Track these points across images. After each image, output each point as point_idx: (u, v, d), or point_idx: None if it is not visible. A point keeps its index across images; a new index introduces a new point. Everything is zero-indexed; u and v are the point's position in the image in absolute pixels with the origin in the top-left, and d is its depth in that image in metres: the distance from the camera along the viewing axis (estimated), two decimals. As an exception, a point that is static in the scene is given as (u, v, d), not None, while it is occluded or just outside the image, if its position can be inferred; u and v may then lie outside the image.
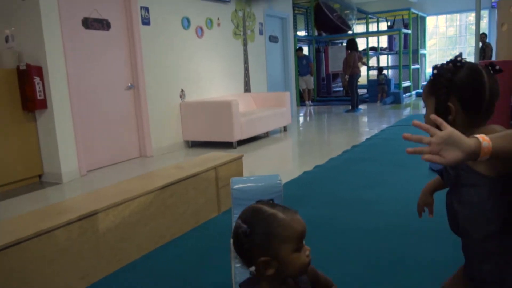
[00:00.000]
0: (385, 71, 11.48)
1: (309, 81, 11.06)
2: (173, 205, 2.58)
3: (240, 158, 3.22)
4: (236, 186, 1.74)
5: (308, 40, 12.05)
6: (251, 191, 1.73)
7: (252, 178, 1.82)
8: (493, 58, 4.03)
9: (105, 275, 2.16)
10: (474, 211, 1.09)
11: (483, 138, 0.91)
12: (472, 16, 14.91)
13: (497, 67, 1.13)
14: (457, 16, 14.79)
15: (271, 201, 1.06)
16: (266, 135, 6.70)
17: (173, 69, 5.83)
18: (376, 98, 10.87)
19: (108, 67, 5.01)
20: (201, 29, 6.33)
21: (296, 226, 0.99)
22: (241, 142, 6.00)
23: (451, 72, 1.11)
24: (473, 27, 15.21)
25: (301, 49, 10.75)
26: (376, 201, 3.10)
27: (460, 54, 1.15)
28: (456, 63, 1.12)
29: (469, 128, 1.09)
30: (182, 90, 6.01)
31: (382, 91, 10.73)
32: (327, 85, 12.88)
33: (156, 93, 5.55)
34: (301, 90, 11.10)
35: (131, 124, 5.38)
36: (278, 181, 1.78)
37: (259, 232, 0.98)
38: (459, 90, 1.10)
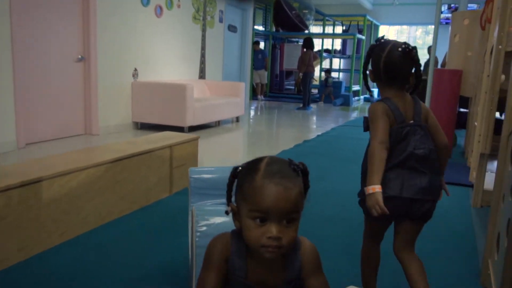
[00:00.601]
0: (333, 74, 11.75)
1: (263, 76, 11.07)
2: (123, 181, 2.45)
3: (196, 139, 3.13)
4: (194, 176, 1.72)
5: (265, 35, 12.05)
6: (208, 180, 1.72)
7: (210, 168, 1.81)
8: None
9: (46, 248, 2.00)
10: None
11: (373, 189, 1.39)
12: (419, 31, 15.64)
13: (410, 47, 1.44)
14: (407, 29, 15.44)
15: (291, 161, 0.94)
16: (217, 124, 6.61)
17: (128, 46, 5.58)
18: (320, 98, 11.11)
19: (58, 35, 4.69)
20: (161, 8, 6.11)
21: (263, 195, 0.87)
22: (192, 129, 5.87)
23: (371, 47, 1.50)
24: (420, 41, 15.90)
25: (258, 43, 10.73)
26: (330, 192, 3.13)
27: (382, 37, 1.54)
28: (376, 41, 1.51)
29: (383, 91, 1.51)
30: (136, 69, 5.77)
31: (328, 92, 10.96)
32: (280, 81, 12.96)
33: (108, 69, 5.29)
34: (254, 84, 11.08)
35: (78, 99, 5.09)
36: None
37: (240, 177, 0.95)
38: (370, 60, 1.50)
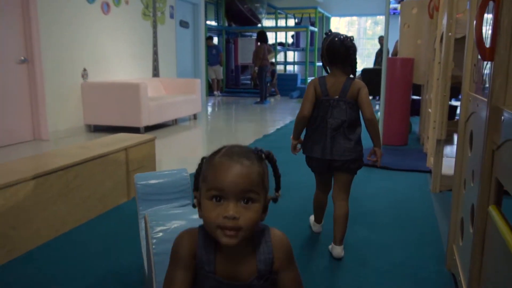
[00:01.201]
0: (288, 67, 11.79)
1: (218, 71, 10.95)
2: (76, 189, 2.30)
3: (152, 140, 3.00)
4: (141, 182, 1.65)
5: (218, 30, 11.91)
6: (156, 186, 1.66)
7: (157, 173, 1.75)
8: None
9: (-8, 267, 1.84)
10: None
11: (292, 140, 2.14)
12: (369, 22, 15.99)
13: (345, 37, 1.96)
14: (357, 20, 15.73)
15: (256, 148, 0.93)
16: (174, 122, 6.45)
17: (75, 45, 5.31)
18: (275, 92, 11.13)
19: (-3, 36, 4.39)
20: (107, 5, 5.86)
21: (219, 172, 0.86)
22: (148, 129, 5.70)
23: (323, 39, 2.03)
24: (370, 32, 16.25)
25: (211, 38, 10.59)
26: (295, 186, 3.10)
27: (329, 30, 2.09)
28: (325, 33, 2.04)
29: (331, 72, 2.02)
30: (85, 69, 5.52)
31: (274, 85, 11.01)
32: (236, 76, 12.87)
33: (54, 70, 5.02)
34: (210, 80, 10.95)
35: (24, 103, 4.79)
36: (185, 175, 1.73)
37: (203, 165, 0.93)
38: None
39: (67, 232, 2.24)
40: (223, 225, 0.84)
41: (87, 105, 5.48)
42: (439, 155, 3.05)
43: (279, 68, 12.35)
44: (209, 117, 7.58)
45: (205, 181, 0.89)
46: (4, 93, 4.51)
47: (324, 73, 2.07)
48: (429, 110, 4.00)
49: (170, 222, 1.19)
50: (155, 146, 3.07)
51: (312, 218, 2.35)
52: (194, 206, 0.95)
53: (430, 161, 3.59)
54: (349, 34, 2.00)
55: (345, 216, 2.01)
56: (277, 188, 1.01)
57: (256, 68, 9.27)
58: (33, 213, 2.03)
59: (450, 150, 4.03)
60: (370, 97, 2.29)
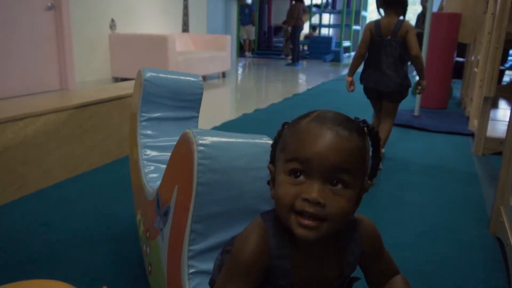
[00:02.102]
0: (323, 30, 11.33)
1: (251, 32, 10.63)
2: (91, 130, 2.19)
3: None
4: (148, 77, 1.40)
5: (252, -12, 11.51)
6: (166, 86, 1.42)
7: (170, 73, 1.49)
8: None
9: (0, 203, 1.76)
10: None
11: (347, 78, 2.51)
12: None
13: None
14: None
15: (356, 118, 0.69)
16: (203, 79, 6.29)
17: (103, -6, 5.16)
18: (316, 55, 10.73)
19: (23, -20, 4.28)
20: (137, -47, 5.65)
21: (304, 139, 0.64)
22: (176, 84, 5.56)
23: None
24: (413, -6, 15.42)
25: (244, -4, 10.24)
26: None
27: None
28: None
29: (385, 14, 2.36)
30: (113, 20, 5.38)
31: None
32: (268, 38, 12.51)
33: (82, 19, 4.90)
34: (242, 41, 10.66)
35: (51, 52, 4.72)
36: (201, 82, 1.50)
37: (285, 131, 0.71)
38: None
39: (81, 174, 2.14)
40: (299, 209, 0.63)
41: (114, 57, 5.37)
42: (485, 114, 2.77)
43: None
44: (238, 76, 7.38)
45: (284, 151, 0.68)
46: (31, 40, 4.43)
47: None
48: (475, 69, 3.67)
49: (225, 151, 0.89)
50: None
51: None
52: (268, 182, 0.74)
53: (474, 123, 3.30)
54: None
55: (388, 130, 2.46)
56: (373, 174, 0.74)
57: (290, 28, 8.91)
58: (43, 151, 1.92)
59: (493, 114, 3.72)
60: (409, 63, 2.41)
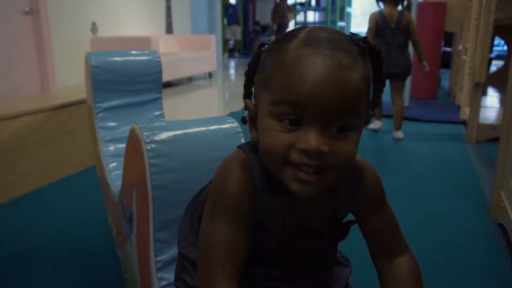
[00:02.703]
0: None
1: (236, 32, 10.55)
2: (71, 132, 2.08)
3: (158, 85, 2.75)
4: (96, 64, 1.23)
5: (235, -12, 11.43)
6: (118, 70, 1.25)
7: (119, 53, 1.33)
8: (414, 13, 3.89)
9: (-26, 213, 1.65)
10: None
11: None
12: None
13: None
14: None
15: (353, 34, 0.54)
16: (189, 80, 6.19)
17: (83, -3, 5.04)
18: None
19: (-1, -15, 4.15)
20: (116, -46, 5.54)
21: (297, 73, 0.49)
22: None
23: None
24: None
25: (228, -5, 10.16)
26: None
27: None
28: None
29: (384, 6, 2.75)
30: (94, 23, 5.26)
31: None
32: (254, 37, 12.43)
33: (62, 23, 4.77)
34: (230, 44, 10.57)
35: (30, 57, 4.58)
36: (157, 58, 1.36)
37: (264, 58, 0.56)
38: None
39: (61, 180, 2.03)
40: (297, 162, 0.50)
41: (97, 61, 5.25)
42: (476, 101, 2.72)
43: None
44: (225, 76, 7.29)
45: (267, 88, 0.53)
46: (9, 46, 4.29)
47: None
48: (464, 57, 3.63)
49: (180, 145, 0.77)
50: (169, 102, 2.82)
51: (371, 125, 3.07)
52: (244, 121, 0.61)
53: (465, 111, 3.25)
54: None
55: (402, 110, 2.84)
56: (375, 103, 0.60)
57: (275, 26, 8.85)
58: (18, 156, 1.82)
59: (483, 102, 3.68)
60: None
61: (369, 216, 0.64)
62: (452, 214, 1.70)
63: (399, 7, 2.78)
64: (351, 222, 0.65)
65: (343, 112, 0.49)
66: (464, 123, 3.25)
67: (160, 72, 1.34)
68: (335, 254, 0.71)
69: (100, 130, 1.28)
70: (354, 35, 0.53)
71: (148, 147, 0.73)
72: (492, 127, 2.77)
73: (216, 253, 0.55)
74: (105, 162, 1.24)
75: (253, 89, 0.61)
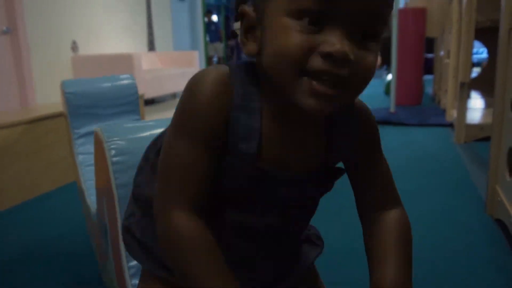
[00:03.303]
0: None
1: (219, 49, 10.57)
2: (50, 146, 2.00)
3: (141, 97, 2.69)
4: (71, 90, 1.22)
5: (217, 6, 11.51)
6: (94, 95, 1.24)
7: (94, 80, 1.33)
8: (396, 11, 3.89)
9: None
10: None
11: None
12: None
13: None
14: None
15: None
16: (173, 97, 6.14)
17: (62, 16, 4.99)
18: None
19: (-25, 5, 4.08)
20: (96, -27, 5.51)
21: None
22: (145, 103, 5.39)
23: None
24: None
25: (210, 12, 10.21)
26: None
27: None
28: None
29: None
30: (74, 42, 5.19)
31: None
32: (237, 55, 12.48)
33: (41, 42, 4.70)
34: (216, 58, 10.59)
35: (9, 77, 4.49)
36: (132, 81, 1.34)
37: None
38: None
39: (41, 196, 1.94)
40: (318, 69, 0.42)
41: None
42: (463, 101, 2.71)
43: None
44: (210, 92, 7.26)
45: None
46: (-14, 66, 4.20)
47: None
48: (446, 61, 3.65)
49: (142, 142, 0.74)
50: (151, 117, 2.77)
51: None
52: (233, 34, 0.52)
53: (451, 114, 3.25)
54: None
55: None
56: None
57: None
58: (-4, 171, 1.73)
59: (468, 104, 3.69)
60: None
61: (363, 164, 0.57)
62: (448, 211, 1.65)
63: None
64: (340, 170, 0.56)
65: (373, 14, 0.43)
66: (450, 125, 3.24)
67: (137, 94, 1.32)
68: (311, 216, 0.60)
69: (80, 156, 1.24)
70: None
71: (110, 146, 0.72)
72: (480, 127, 2.76)
73: (174, 177, 0.48)
74: (85, 185, 1.19)
75: None
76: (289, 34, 0.42)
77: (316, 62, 0.42)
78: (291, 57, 0.42)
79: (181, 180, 0.48)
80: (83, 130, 1.26)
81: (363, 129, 0.55)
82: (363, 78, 0.45)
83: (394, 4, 3.77)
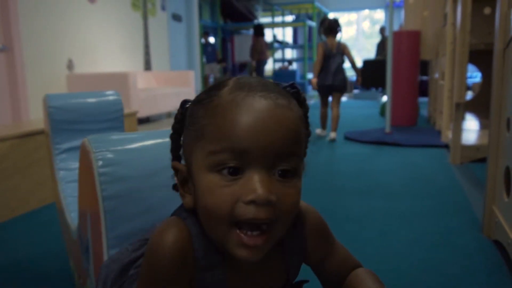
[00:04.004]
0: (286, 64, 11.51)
1: (216, 69, 10.63)
2: (38, 163, 1.96)
3: (134, 114, 2.67)
4: (54, 104, 1.20)
5: (213, 28, 11.63)
6: (78, 110, 1.22)
7: (79, 94, 1.31)
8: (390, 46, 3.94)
9: None
10: None
11: (313, 80, 3.87)
12: (367, 22, 15.72)
13: (334, 20, 3.80)
14: (355, 18, 15.43)
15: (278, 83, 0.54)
16: (168, 116, 6.13)
17: (59, 34, 4.99)
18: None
19: (-29, 22, 4.08)
20: (93, -7, 5.56)
21: (237, 118, 0.46)
22: (140, 121, 5.37)
23: (321, 21, 3.96)
24: (368, 30, 15.98)
25: (207, 33, 10.30)
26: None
27: (325, 17, 4.19)
28: (322, 19, 4.05)
29: (328, 38, 3.78)
30: (70, 60, 5.19)
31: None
32: (233, 75, 12.56)
33: (37, 60, 4.69)
34: (212, 79, 10.64)
35: (3, 94, 4.46)
36: (117, 97, 1.32)
37: (191, 114, 0.52)
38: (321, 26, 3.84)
39: (27, 213, 1.89)
40: (245, 218, 0.45)
41: (73, 98, 5.15)
42: (458, 122, 2.70)
43: (279, 65, 12.04)
44: (205, 112, 7.26)
45: (203, 138, 0.48)
46: (-20, 83, 4.18)
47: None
48: (441, 82, 3.66)
49: (130, 153, 0.75)
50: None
51: (317, 130, 3.89)
52: (175, 188, 0.56)
53: (446, 135, 3.24)
54: (347, 33, 3.98)
55: (338, 116, 3.68)
56: (304, 150, 0.58)
57: (254, 62, 8.95)
58: (-19, 188, 1.68)
59: (464, 125, 3.69)
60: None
61: (324, 260, 0.60)
62: (444, 233, 1.62)
63: (337, 38, 3.74)
64: (302, 282, 0.62)
65: (286, 153, 0.47)
66: (446, 146, 3.23)
67: (122, 110, 1.30)
68: None
69: (61, 172, 1.20)
70: (280, 83, 0.54)
71: (98, 157, 0.70)
72: (475, 148, 2.74)
73: None
74: (65, 202, 1.15)
75: (181, 153, 0.56)
76: (214, 191, 0.46)
77: (243, 211, 0.45)
78: (220, 212, 0.46)
79: None
80: (65, 146, 1.23)
81: (316, 236, 0.59)
82: (287, 217, 0.48)
83: (390, 27, 3.81)
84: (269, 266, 0.55)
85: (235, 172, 0.45)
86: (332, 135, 3.62)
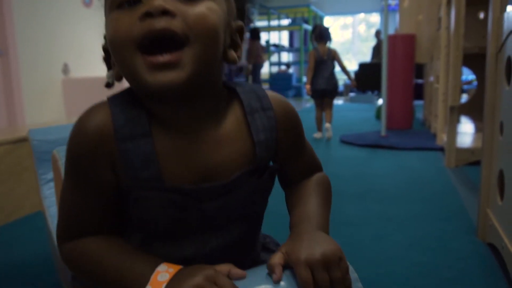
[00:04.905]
0: (283, 67, 11.53)
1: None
2: (33, 167, 1.94)
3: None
4: (38, 137, 1.21)
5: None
6: (60, 141, 1.20)
7: (62, 127, 1.31)
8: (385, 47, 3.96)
9: None
10: None
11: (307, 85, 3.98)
12: (363, 26, 15.77)
13: (326, 27, 3.99)
14: (351, 22, 15.48)
15: None
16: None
17: (55, 39, 4.99)
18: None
19: (-34, 26, 4.07)
20: (89, -3, 5.56)
21: None
22: (136, 125, 5.37)
23: (313, 28, 4.18)
24: (364, 34, 16.06)
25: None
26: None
27: (316, 24, 4.75)
28: (316, 25, 4.11)
29: (319, 45, 3.89)
30: (66, 64, 5.18)
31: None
32: (229, 79, 12.55)
33: (33, 64, 4.68)
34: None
35: (-2, 99, 4.45)
36: None
37: None
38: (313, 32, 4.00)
39: (22, 218, 1.88)
40: (143, 35, 0.43)
41: (69, 101, 5.14)
42: (452, 125, 2.71)
43: (275, 68, 12.06)
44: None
45: None
46: (-25, 87, 4.16)
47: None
48: (436, 85, 3.68)
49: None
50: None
51: (315, 134, 3.99)
52: (107, 85, 0.59)
53: (441, 138, 3.25)
54: (343, 36, 3.97)
55: (331, 114, 3.93)
56: (241, 14, 0.59)
57: (250, 66, 8.96)
58: (-25, 193, 1.67)
59: (459, 128, 3.70)
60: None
61: (290, 159, 0.58)
62: (438, 236, 1.62)
63: (328, 44, 3.89)
64: (271, 167, 0.56)
65: None
66: (441, 149, 3.24)
67: None
68: (257, 226, 0.59)
69: (48, 201, 1.20)
70: None
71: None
72: (470, 151, 2.75)
73: (69, 214, 0.51)
74: (49, 212, 1.15)
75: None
76: (114, 23, 0.46)
77: (140, 27, 0.43)
78: (120, 38, 0.44)
79: (76, 217, 0.50)
80: (50, 176, 1.23)
81: (287, 129, 0.56)
82: (198, 33, 0.44)
83: (385, 30, 3.83)
84: (215, 140, 0.50)
85: (134, 3, 0.45)
86: (327, 125, 3.86)
